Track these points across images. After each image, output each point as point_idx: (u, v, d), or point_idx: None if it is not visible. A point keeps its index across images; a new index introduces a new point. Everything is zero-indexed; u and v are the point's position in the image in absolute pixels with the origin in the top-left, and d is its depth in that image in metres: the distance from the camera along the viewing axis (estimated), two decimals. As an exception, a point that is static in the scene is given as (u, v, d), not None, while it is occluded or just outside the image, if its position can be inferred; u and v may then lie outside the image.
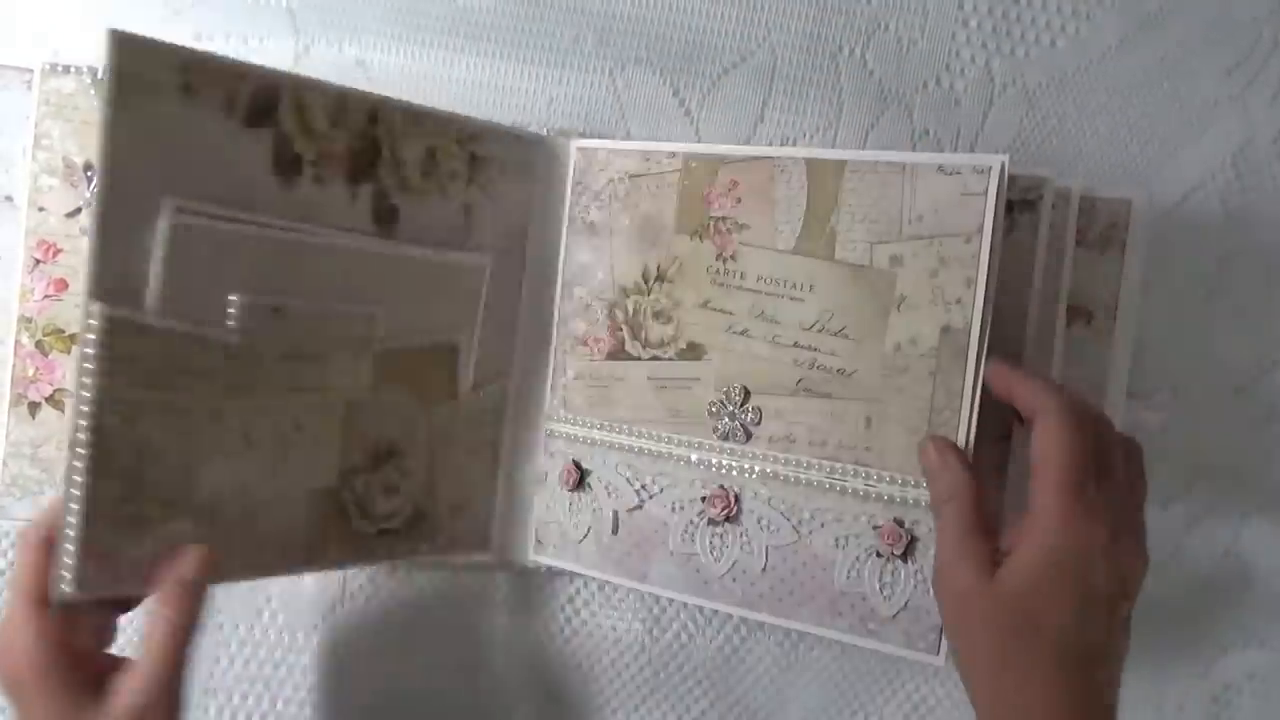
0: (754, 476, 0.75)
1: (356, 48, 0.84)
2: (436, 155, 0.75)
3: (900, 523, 0.71)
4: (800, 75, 0.87)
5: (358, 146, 0.71)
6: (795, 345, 0.73)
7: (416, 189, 0.74)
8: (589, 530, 0.81)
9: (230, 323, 0.66)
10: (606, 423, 0.80)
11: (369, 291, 0.72)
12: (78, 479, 0.61)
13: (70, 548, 0.61)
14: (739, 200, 0.75)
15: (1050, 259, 0.75)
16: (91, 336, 0.61)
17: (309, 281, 0.69)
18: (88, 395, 0.61)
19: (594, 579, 0.84)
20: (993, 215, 0.67)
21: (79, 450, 0.61)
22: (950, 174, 0.68)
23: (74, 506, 0.61)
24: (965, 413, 0.68)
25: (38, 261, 0.75)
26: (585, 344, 0.81)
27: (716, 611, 0.87)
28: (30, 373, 0.76)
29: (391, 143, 0.72)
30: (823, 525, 0.73)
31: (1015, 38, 0.87)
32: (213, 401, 0.66)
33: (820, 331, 0.72)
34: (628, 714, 0.89)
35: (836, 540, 0.72)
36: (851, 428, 0.72)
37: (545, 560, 0.83)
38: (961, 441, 0.68)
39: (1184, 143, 0.86)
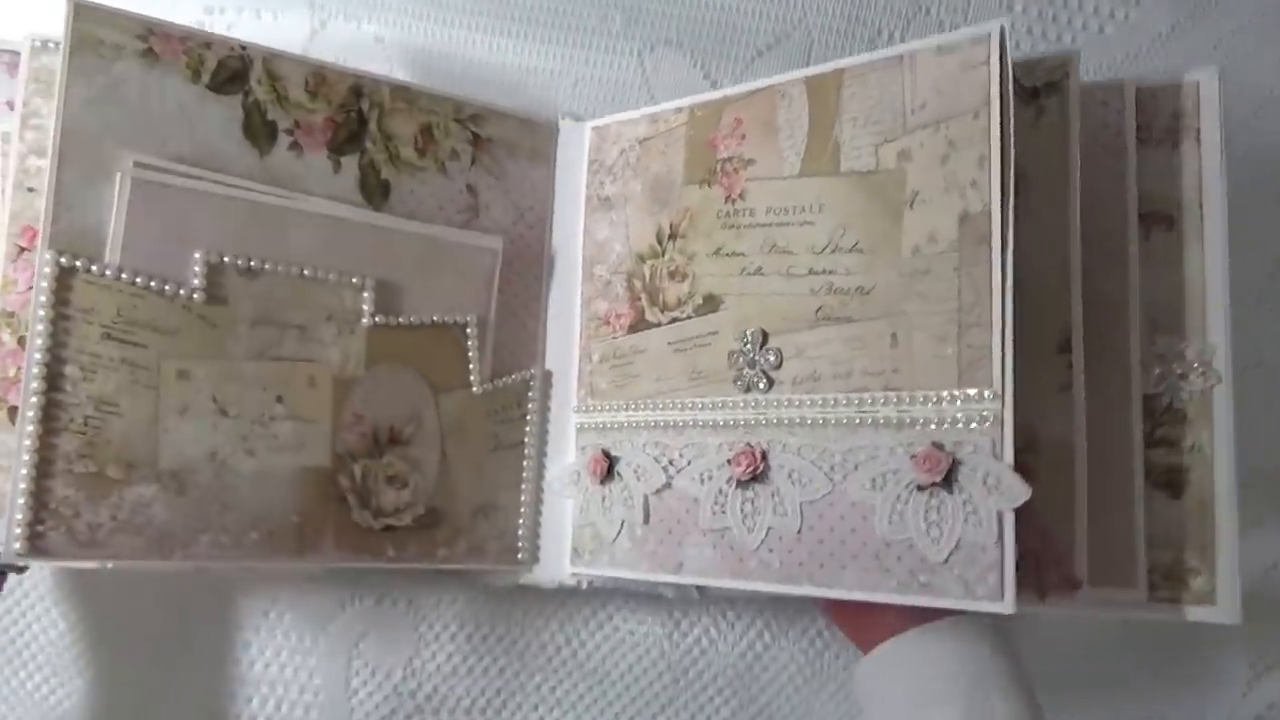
0: (780, 426, 0.67)
1: (375, 24, 0.85)
2: (434, 133, 0.75)
3: (940, 446, 0.61)
4: (837, 59, 0.83)
5: (340, 119, 0.71)
6: (810, 272, 0.67)
7: (411, 165, 0.74)
8: (622, 525, 0.74)
9: (195, 280, 0.65)
10: (632, 402, 0.74)
11: (356, 263, 0.71)
12: (30, 429, 0.60)
13: (21, 502, 0.59)
14: (744, 137, 0.71)
15: (1108, 163, 0.67)
16: (44, 284, 0.61)
17: (285, 246, 0.69)
18: (40, 343, 0.61)
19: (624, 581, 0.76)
20: (998, 83, 0.61)
21: (31, 399, 0.60)
22: (949, 52, 0.63)
23: (25, 458, 0.60)
24: (999, 307, 0.60)
25: (22, 249, 0.68)
26: (607, 322, 0.76)
27: (740, 616, 0.81)
28: (13, 373, 0.67)
29: (379, 117, 0.73)
30: (856, 467, 0.64)
31: (1063, 23, 0.82)
32: (179, 361, 0.65)
33: (834, 252, 0.66)
34: None
35: (873, 481, 0.63)
36: (876, 350, 0.64)
37: (583, 571, 0.76)
38: (998, 342, 0.59)
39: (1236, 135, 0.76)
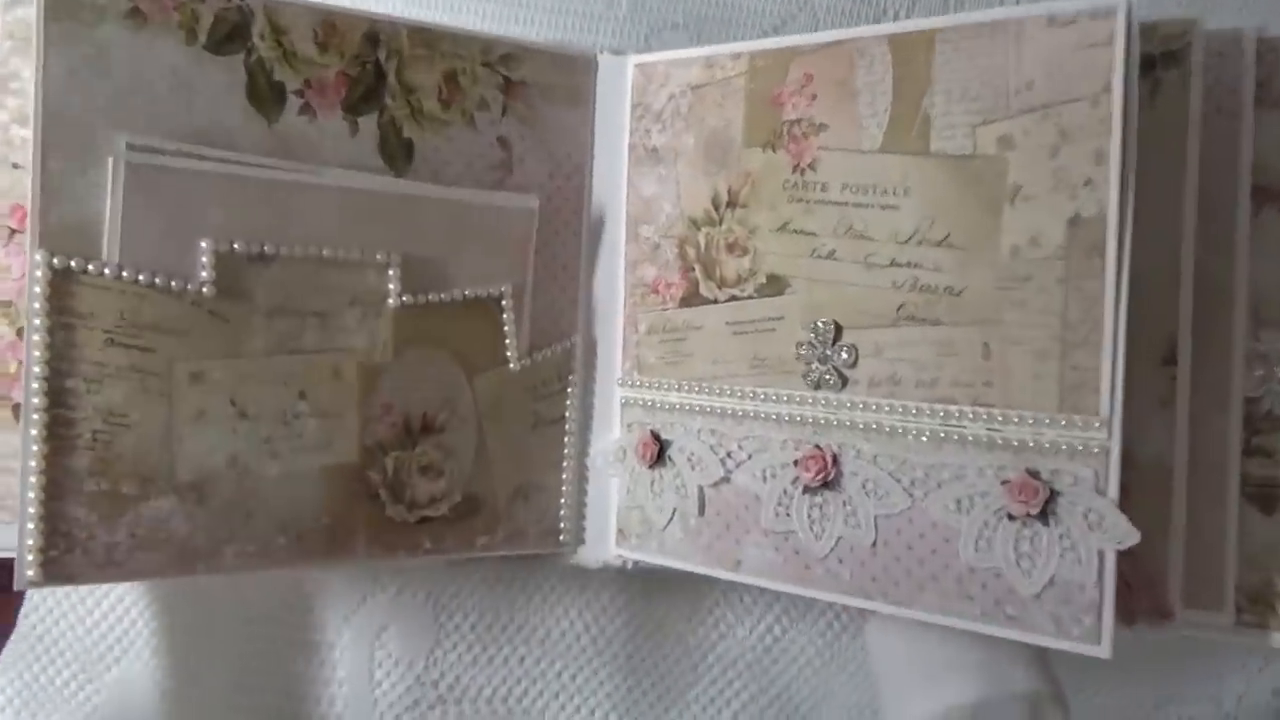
0: (854, 430, 0.61)
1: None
2: (459, 80, 0.66)
3: (1035, 474, 0.56)
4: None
5: (355, 72, 0.63)
6: (892, 264, 0.60)
7: (435, 120, 0.65)
8: (674, 513, 0.69)
9: (203, 273, 0.59)
10: (685, 382, 0.68)
11: (380, 238, 0.64)
12: (35, 448, 0.55)
13: (31, 527, 0.55)
14: (814, 97, 0.62)
15: (1220, 125, 0.59)
16: (37, 289, 0.55)
17: (301, 226, 0.62)
18: (38, 355, 0.55)
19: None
20: (1122, 67, 0.53)
21: (34, 417, 0.55)
22: (1064, 25, 0.54)
23: (33, 481, 0.55)
24: (1110, 326, 0.53)
25: (13, 232, 0.61)
26: (656, 290, 0.70)
27: (756, 600, 0.80)
28: (12, 368, 0.61)
29: (398, 67, 0.64)
30: (940, 485, 0.59)
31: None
32: (191, 364, 0.59)
33: (920, 243, 0.59)
34: (666, 707, 0.81)
35: (958, 503, 0.58)
36: (966, 360, 0.58)
37: (629, 554, 0.72)
38: (1108, 364, 0.53)
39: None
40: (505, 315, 0.68)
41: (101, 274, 0.57)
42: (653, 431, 0.70)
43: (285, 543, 0.63)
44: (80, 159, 0.56)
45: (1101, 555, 0.54)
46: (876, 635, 0.67)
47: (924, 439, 0.59)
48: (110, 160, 0.56)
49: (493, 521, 0.70)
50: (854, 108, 0.61)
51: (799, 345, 0.63)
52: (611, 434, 0.72)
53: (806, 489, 0.63)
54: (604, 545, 0.73)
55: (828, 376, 0.62)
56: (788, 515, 0.64)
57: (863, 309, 0.61)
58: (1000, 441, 0.57)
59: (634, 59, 0.71)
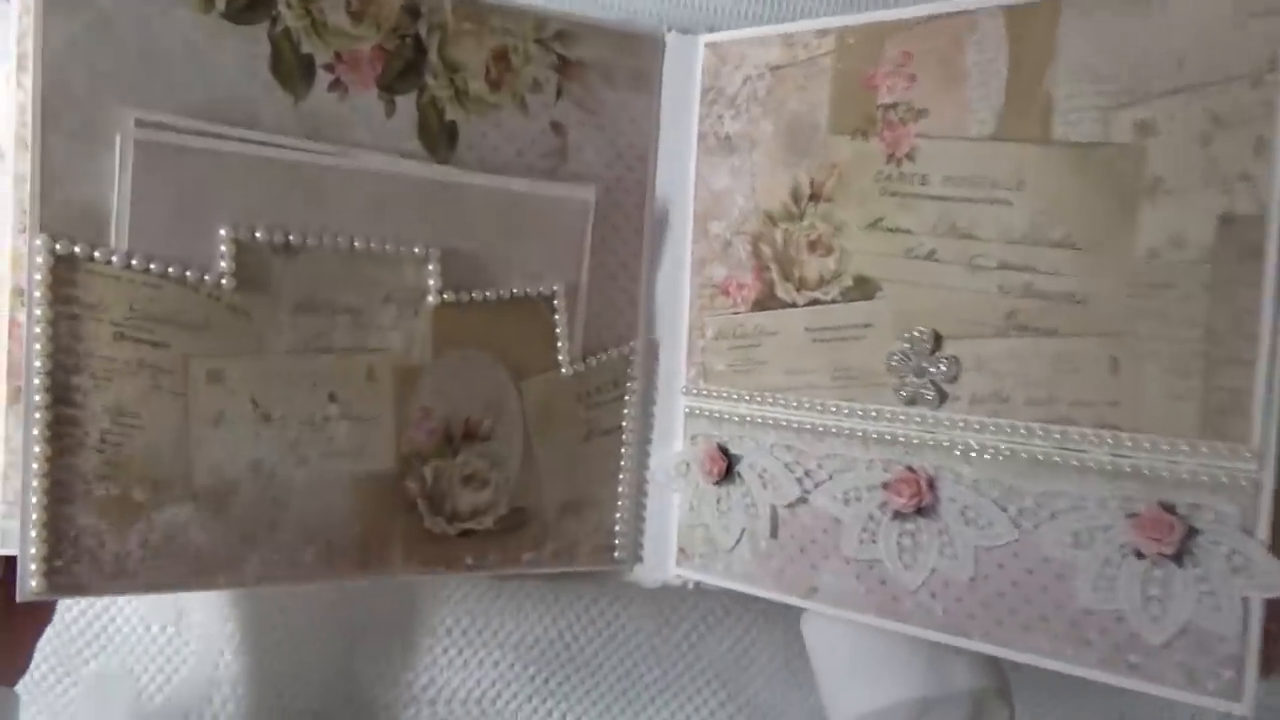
0: (954, 452, 0.55)
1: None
2: (509, 59, 0.60)
3: (1169, 508, 0.49)
4: None
5: (392, 46, 0.56)
6: (1001, 266, 0.53)
7: (482, 102, 0.59)
8: (742, 533, 0.63)
9: (222, 263, 0.53)
10: (757, 394, 0.62)
11: (419, 229, 0.58)
12: (38, 449, 0.49)
13: (34, 534, 0.49)
14: (913, 79, 0.56)
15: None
16: (38, 277, 0.49)
17: (331, 215, 0.56)
18: (39, 348, 0.49)
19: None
20: (1292, 42, 0.46)
21: (36, 415, 0.49)
22: (1220, -8, 0.47)
23: (35, 484, 0.49)
24: (1266, 341, 0.47)
25: None
26: (726, 292, 0.63)
27: (729, 611, 0.81)
28: None
29: (440, 42, 0.58)
30: (1053, 516, 0.52)
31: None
32: (209, 361, 0.54)
33: (1036, 244, 0.52)
34: (636, 712, 0.81)
35: (1075, 536, 0.52)
36: (1089, 376, 0.51)
37: (691, 574, 0.66)
38: (1262, 385, 0.47)
39: None
40: (557, 316, 0.62)
41: (109, 262, 0.52)
42: (720, 445, 0.63)
43: (314, 555, 0.57)
44: (85, 137, 0.51)
45: (1246, 603, 0.48)
46: (816, 630, 0.63)
47: (1036, 464, 0.53)
48: (118, 138, 0.51)
49: (541, 536, 0.64)
50: (961, 90, 0.54)
51: (891, 356, 0.57)
52: (674, 446, 0.66)
53: (897, 515, 0.57)
54: (663, 564, 0.67)
55: (924, 391, 0.56)
56: (873, 542, 0.57)
57: (966, 317, 0.54)
58: (1128, 470, 0.50)
59: (705, 38, 0.64)
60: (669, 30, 0.65)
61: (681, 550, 0.66)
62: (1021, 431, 0.53)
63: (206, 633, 0.74)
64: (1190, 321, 0.48)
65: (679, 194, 0.65)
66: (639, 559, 0.67)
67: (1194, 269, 0.48)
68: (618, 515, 0.66)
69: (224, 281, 0.53)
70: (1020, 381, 0.53)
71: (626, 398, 0.65)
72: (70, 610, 0.73)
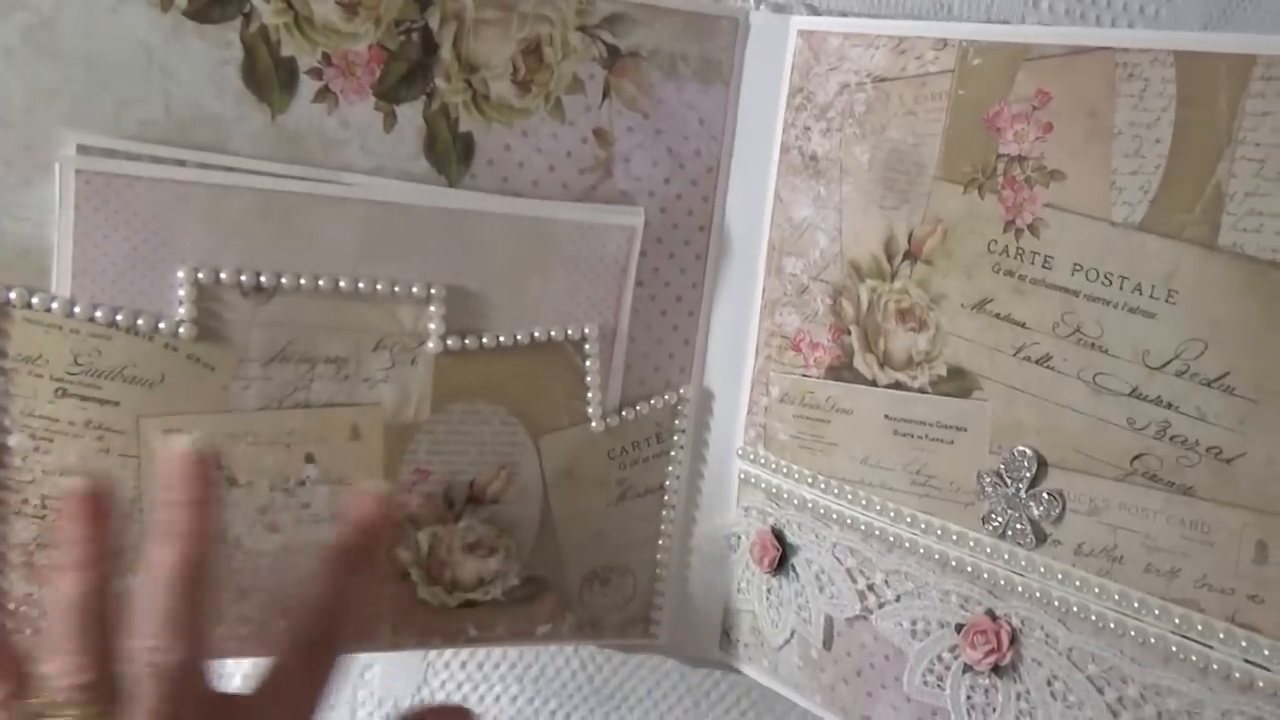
0: (1047, 606, 0.46)
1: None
2: (543, 53, 0.51)
3: (1311, 746, 0.40)
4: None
5: (394, 45, 0.48)
6: (1134, 394, 0.43)
7: (507, 108, 0.51)
8: (792, 635, 0.56)
9: (179, 309, 0.48)
10: (822, 479, 0.54)
11: (419, 264, 0.51)
12: None
13: None
14: (1049, 127, 0.45)
15: None
16: (-31, 328, 0.45)
17: (312, 250, 0.49)
18: None
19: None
20: None
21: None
22: None
23: None
24: None
25: None
26: (797, 348, 0.55)
27: None
28: None
29: (456, 35, 0.49)
30: (1160, 716, 0.44)
31: None
32: (164, 419, 0.49)
33: (1182, 374, 0.42)
34: None
35: (1187, 747, 0.43)
36: (1227, 556, 0.42)
37: (736, 664, 0.59)
38: None
39: None
40: (588, 363, 0.55)
41: (49, 309, 0.47)
42: (774, 529, 0.56)
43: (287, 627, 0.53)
44: (20, 164, 0.45)
45: None
46: None
47: (1147, 647, 0.44)
48: (57, 167, 0.45)
49: (560, 608, 0.59)
50: (1108, 152, 0.43)
51: (983, 474, 0.48)
52: (725, 512, 0.59)
53: (969, 668, 0.49)
54: (706, 644, 0.61)
55: (1019, 526, 0.47)
56: (939, 688, 0.50)
57: (1080, 447, 0.45)
58: (1263, 683, 0.41)
59: (799, 21, 0.54)
60: (758, 6, 0.55)
61: (726, 634, 0.60)
62: (1134, 604, 0.44)
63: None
64: (1373, 519, 0.38)
65: (751, 219, 0.56)
66: (679, 634, 0.61)
67: (1388, 453, 0.38)
68: (655, 586, 0.60)
69: (182, 330, 0.48)
70: (1139, 542, 0.44)
71: (672, 453, 0.58)
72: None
